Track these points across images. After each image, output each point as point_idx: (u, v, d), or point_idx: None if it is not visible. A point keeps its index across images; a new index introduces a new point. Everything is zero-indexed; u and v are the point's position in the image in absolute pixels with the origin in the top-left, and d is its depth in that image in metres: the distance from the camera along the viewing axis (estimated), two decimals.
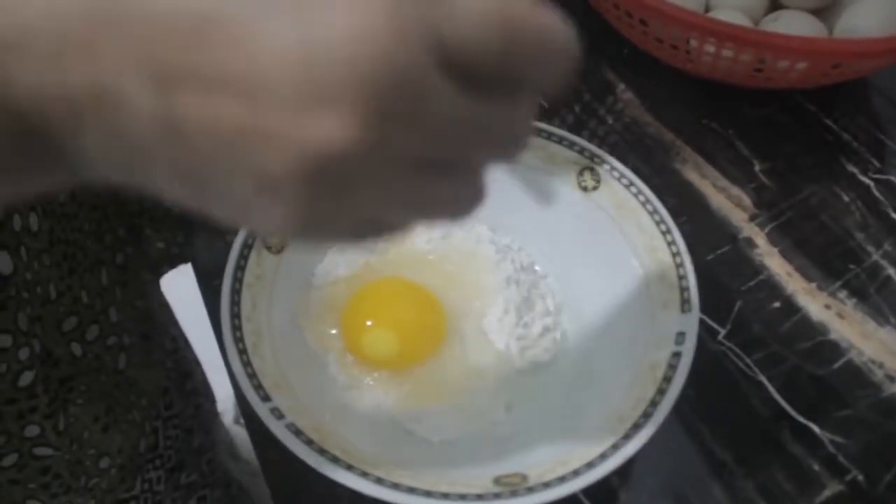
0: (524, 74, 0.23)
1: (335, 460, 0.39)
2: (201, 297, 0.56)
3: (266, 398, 0.41)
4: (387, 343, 0.47)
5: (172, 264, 0.81)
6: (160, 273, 0.80)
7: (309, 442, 0.39)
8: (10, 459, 0.49)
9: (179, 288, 0.83)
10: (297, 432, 0.40)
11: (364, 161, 0.21)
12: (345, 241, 0.26)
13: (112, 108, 0.21)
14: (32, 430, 0.49)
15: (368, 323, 0.48)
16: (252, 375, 0.42)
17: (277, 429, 0.40)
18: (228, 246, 0.48)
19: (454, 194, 0.25)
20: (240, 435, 1.18)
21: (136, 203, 0.69)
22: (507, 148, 0.25)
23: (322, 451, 0.39)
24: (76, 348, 0.52)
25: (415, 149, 0.22)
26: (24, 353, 0.47)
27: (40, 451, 0.51)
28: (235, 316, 0.44)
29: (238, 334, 0.44)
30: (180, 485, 0.67)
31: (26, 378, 0.48)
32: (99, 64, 0.21)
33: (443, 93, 0.21)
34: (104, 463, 0.56)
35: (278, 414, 0.40)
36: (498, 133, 0.24)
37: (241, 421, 1.18)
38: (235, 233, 0.48)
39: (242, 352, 0.43)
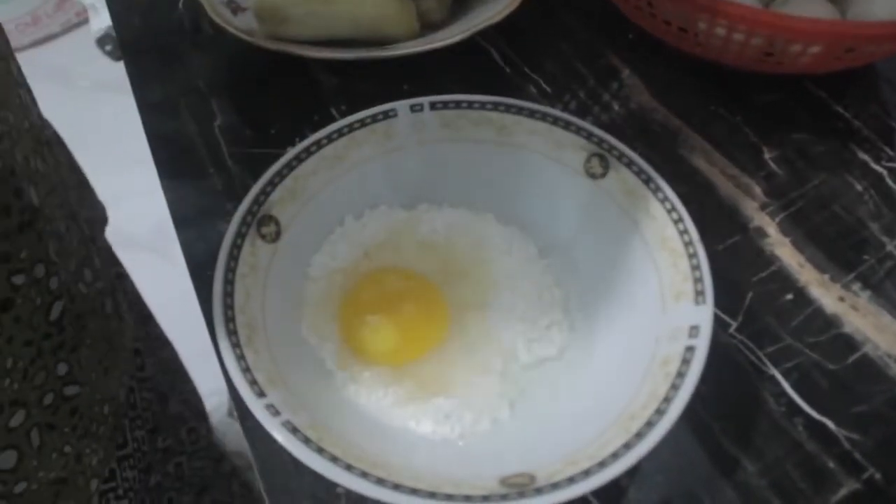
0: None
1: (334, 459, 0.37)
2: (193, 288, 0.55)
3: (261, 394, 0.39)
4: (387, 336, 0.45)
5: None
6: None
7: (306, 440, 0.38)
8: (48, 399, 0.49)
9: (170, 279, 0.81)
10: (294, 430, 0.38)
11: None
12: None
13: None
14: (62, 368, 0.50)
15: (368, 315, 0.46)
16: (246, 370, 0.40)
17: (273, 426, 0.38)
18: (221, 235, 0.46)
19: None
20: (233, 428, 1.17)
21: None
22: None
23: (320, 450, 0.37)
24: (82, 287, 0.53)
25: None
26: (54, 283, 0.48)
27: (69, 390, 0.51)
28: (228, 307, 0.42)
29: (231, 326, 0.42)
30: (157, 448, 0.69)
31: (56, 310, 0.49)
32: None
33: None
34: (106, 409, 0.57)
35: (273, 411, 0.39)
36: None
37: (235, 414, 1.17)
38: (227, 221, 0.47)
39: (235, 345, 0.41)
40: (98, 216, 0.70)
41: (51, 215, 0.50)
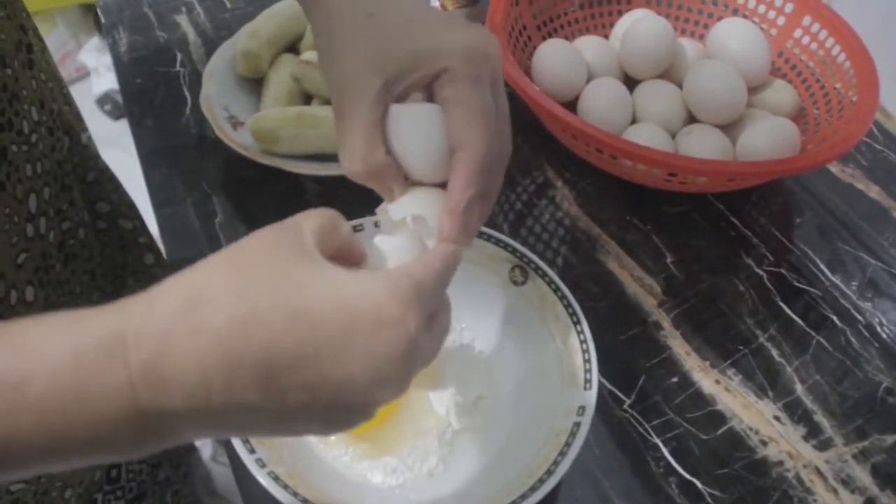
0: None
1: (305, 501, 0.50)
2: None
3: (252, 451, 0.52)
4: None
5: None
6: None
7: (285, 486, 0.50)
8: None
9: None
10: (276, 478, 0.51)
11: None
12: None
13: (248, 414, 0.35)
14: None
15: None
16: None
17: (260, 475, 0.51)
18: None
19: None
20: (216, 471, 1.28)
21: (119, 257, 0.78)
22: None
23: (295, 494, 0.50)
24: None
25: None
26: None
27: (14, 486, 0.59)
28: None
29: None
30: None
31: None
32: (241, 395, 0.34)
33: (428, 341, 0.40)
34: (67, 494, 0.64)
35: (261, 463, 0.51)
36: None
37: (219, 459, 1.28)
38: None
39: None
40: None
41: None
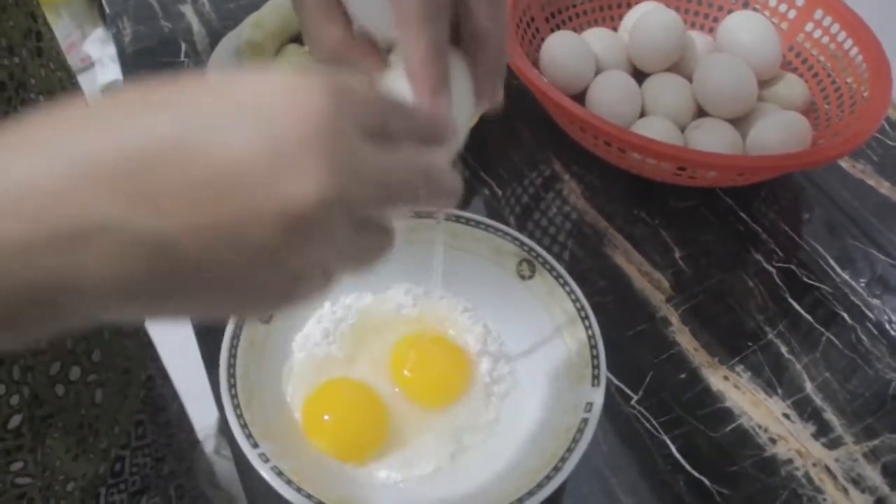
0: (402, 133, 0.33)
1: (309, 497, 0.49)
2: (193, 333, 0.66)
3: (255, 445, 0.51)
4: (327, 446, 0.57)
5: None
6: None
7: (289, 482, 0.50)
8: None
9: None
10: (280, 473, 0.50)
11: (324, 212, 0.28)
12: (291, 297, 0.32)
13: (105, 239, 0.27)
14: (17, 466, 0.57)
15: (324, 418, 0.58)
16: (244, 426, 0.52)
17: (264, 469, 0.50)
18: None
19: (375, 246, 0.33)
20: (219, 465, 1.28)
21: None
22: (410, 198, 0.33)
23: (299, 489, 0.49)
24: (59, 389, 0.59)
25: (357, 199, 0.30)
26: (14, 400, 0.55)
27: (20, 480, 0.58)
28: (231, 376, 0.54)
29: (233, 391, 0.54)
30: None
31: (15, 421, 0.55)
32: (90, 205, 0.26)
33: (366, 149, 0.30)
34: (70, 486, 0.63)
35: (265, 458, 0.51)
36: (403, 181, 0.32)
37: (222, 452, 1.27)
38: None
39: (236, 406, 0.53)
40: None
41: None
